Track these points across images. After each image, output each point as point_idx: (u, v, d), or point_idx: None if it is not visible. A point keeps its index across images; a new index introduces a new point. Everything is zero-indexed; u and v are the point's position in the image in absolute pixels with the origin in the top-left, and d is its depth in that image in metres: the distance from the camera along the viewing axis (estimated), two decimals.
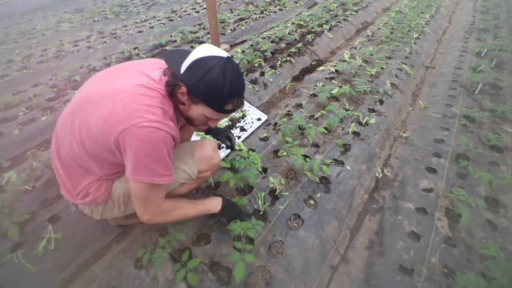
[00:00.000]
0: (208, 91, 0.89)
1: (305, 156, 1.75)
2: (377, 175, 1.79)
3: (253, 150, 1.84)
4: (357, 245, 1.41)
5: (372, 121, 2.09)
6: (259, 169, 1.66)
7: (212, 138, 1.54)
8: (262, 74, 2.73)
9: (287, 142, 1.70)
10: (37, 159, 1.76)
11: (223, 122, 2.08)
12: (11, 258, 1.26)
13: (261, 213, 1.42)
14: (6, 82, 2.73)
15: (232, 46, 3.45)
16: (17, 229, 1.32)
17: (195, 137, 1.96)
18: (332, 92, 2.30)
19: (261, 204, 1.43)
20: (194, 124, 1.11)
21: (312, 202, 1.52)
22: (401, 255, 1.31)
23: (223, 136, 1.45)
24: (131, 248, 1.33)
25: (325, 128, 1.94)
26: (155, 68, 1.01)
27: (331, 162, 1.73)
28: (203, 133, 1.51)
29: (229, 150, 1.85)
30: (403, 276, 1.24)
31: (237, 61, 2.82)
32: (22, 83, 2.70)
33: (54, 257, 1.30)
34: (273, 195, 1.54)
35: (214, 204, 1.22)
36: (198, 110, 0.97)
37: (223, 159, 1.69)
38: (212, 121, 1.04)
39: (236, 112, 2.08)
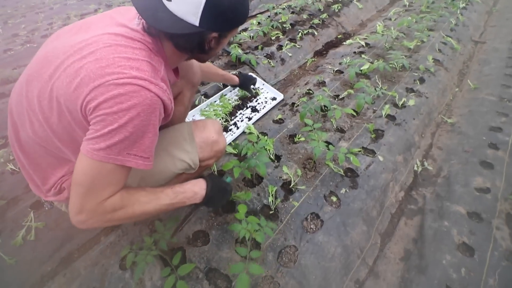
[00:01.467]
0: (238, 12, 0.73)
1: (328, 143, 1.46)
2: (415, 168, 1.47)
3: (265, 134, 1.57)
4: (390, 255, 1.14)
5: (411, 102, 1.73)
6: (271, 156, 1.40)
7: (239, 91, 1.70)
8: (280, 48, 2.39)
9: (306, 125, 1.41)
10: None
11: (232, 101, 1.82)
12: None
13: (271, 212, 1.17)
14: (9, 56, 2.59)
15: (247, 19, 3.10)
16: None
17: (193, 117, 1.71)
18: (362, 68, 1.94)
19: (272, 201, 1.18)
20: (205, 59, 0.92)
21: (334, 199, 1.25)
22: (448, 273, 1.03)
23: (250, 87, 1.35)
24: (119, 243, 1.15)
25: (353, 110, 1.62)
26: (134, 17, 0.75)
27: (359, 151, 1.43)
28: (229, 85, 1.46)
29: (237, 133, 1.60)
30: None
31: (251, 34, 2.50)
32: (25, 58, 2.56)
33: (34, 249, 1.14)
34: (287, 189, 1.28)
35: (192, 191, 0.86)
36: (227, 39, 0.81)
37: (229, 144, 1.44)
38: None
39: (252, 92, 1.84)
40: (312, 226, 1.15)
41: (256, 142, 1.25)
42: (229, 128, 1.66)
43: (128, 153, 0.67)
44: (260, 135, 1.43)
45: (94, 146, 0.63)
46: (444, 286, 0.99)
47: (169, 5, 0.66)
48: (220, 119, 1.68)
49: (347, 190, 1.27)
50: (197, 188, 0.87)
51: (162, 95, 0.67)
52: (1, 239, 1.15)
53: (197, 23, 0.67)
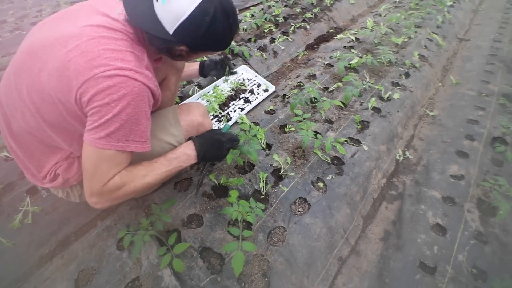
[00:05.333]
0: (214, 42, 0.79)
1: (316, 133, 1.53)
2: (397, 157, 1.56)
3: (257, 124, 1.63)
4: (371, 235, 1.23)
5: (396, 96, 1.82)
6: (263, 145, 1.46)
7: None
8: (273, 40, 2.43)
9: (296, 115, 1.47)
10: None
11: (225, 93, 1.86)
12: None
13: (262, 196, 1.24)
14: None
15: (240, 11, 3.11)
16: None
17: None
18: (351, 62, 2.01)
19: (263, 186, 1.25)
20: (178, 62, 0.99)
21: (321, 184, 1.32)
22: (422, 250, 1.13)
23: (220, 67, 1.37)
24: (115, 227, 1.19)
25: (341, 102, 1.69)
26: (115, 6, 0.78)
27: (346, 141, 1.51)
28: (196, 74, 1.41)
29: (229, 123, 1.65)
30: (424, 275, 1.06)
31: (245, 26, 2.52)
32: (14, 45, 2.51)
33: (32, 232, 1.18)
34: (277, 175, 1.35)
35: (184, 154, 0.89)
36: (200, 55, 0.88)
37: None
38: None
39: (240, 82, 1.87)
40: (300, 209, 1.23)
41: (248, 131, 1.30)
42: (222, 117, 1.71)
43: (127, 139, 0.72)
44: (252, 125, 1.49)
45: (95, 136, 0.69)
46: (418, 262, 1.09)
47: (156, 4, 0.71)
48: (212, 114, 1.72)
49: (333, 177, 1.35)
50: (188, 150, 0.90)
51: (148, 83, 0.72)
52: None
53: (170, 32, 0.72)
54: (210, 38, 0.76)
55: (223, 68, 1.42)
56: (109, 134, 0.69)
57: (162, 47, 0.78)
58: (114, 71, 0.66)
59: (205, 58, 1.54)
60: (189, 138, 0.96)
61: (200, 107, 1.08)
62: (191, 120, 1.03)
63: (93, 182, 0.74)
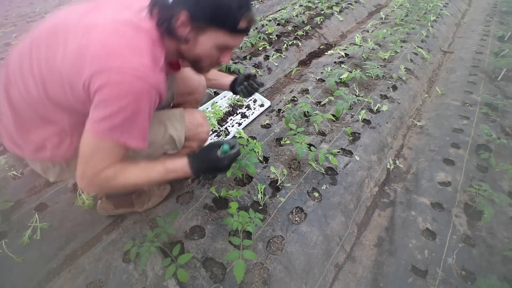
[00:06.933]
0: (215, 5, 0.73)
1: (310, 145, 1.62)
2: (388, 166, 1.64)
3: (254, 138, 1.71)
4: (365, 242, 1.29)
5: (384, 108, 1.92)
6: (260, 158, 1.54)
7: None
8: (267, 58, 2.56)
9: (290, 129, 1.56)
10: None
11: (223, 108, 1.95)
12: None
13: (260, 207, 1.31)
14: (2, 66, 2.64)
15: None
16: (0, 218, 1.24)
17: None
18: (341, 77, 2.13)
19: (261, 197, 1.32)
20: (203, 67, 0.90)
21: (316, 194, 1.40)
22: (414, 254, 1.19)
23: (244, 85, 1.25)
24: (121, 240, 1.24)
25: (333, 115, 1.79)
26: (144, 6, 0.79)
27: (338, 152, 1.59)
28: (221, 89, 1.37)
29: (228, 138, 1.73)
30: (416, 278, 1.12)
31: (240, 45, 2.66)
32: None
33: (40, 248, 1.22)
34: (274, 187, 1.42)
35: (182, 171, 0.90)
36: (209, 40, 0.79)
37: None
38: (226, 52, 0.86)
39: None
40: (297, 219, 1.29)
41: (246, 145, 1.39)
42: (220, 132, 1.79)
43: (128, 134, 0.75)
44: (249, 139, 1.57)
45: (98, 126, 0.73)
46: (410, 265, 1.15)
47: None
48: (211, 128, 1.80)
49: (328, 187, 1.42)
50: (186, 168, 0.89)
51: (158, 86, 0.75)
52: (8, 239, 1.22)
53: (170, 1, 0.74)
54: (211, 1, 0.73)
55: (250, 85, 1.28)
56: (112, 127, 0.73)
57: (162, 18, 0.75)
58: (129, 69, 0.69)
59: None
60: (188, 156, 0.92)
61: (202, 113, 1.18)
62: (193, 118, 1.10)
63: (87, 167, 0.78)
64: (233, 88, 1.30)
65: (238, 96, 2.07)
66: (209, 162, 0.91)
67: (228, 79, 1.33)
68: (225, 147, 0.90)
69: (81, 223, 1.32)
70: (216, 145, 0.93)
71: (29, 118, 0.83)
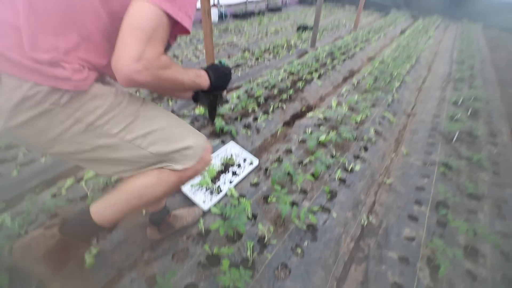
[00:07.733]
0: None
1: (293, 203, 1.83)
2: (362, 222, 1.86)
3: (244, 196, 1.92)
4: None
5: (357, 167, 2.22)
6: (249, 215, 1.73)
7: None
8: (255, 119, 2.92)
9: (275, 190, 1.80)
10: (33, 201, 1.80)
11: (217, 167, 2.19)
12: None
13: (249, 264, 1.46)
14: None
15: (228, 92, 3.71)
16: (8, 278, 1.33)
17: None
18: (319, 139, 2.47)
19: (250, 254, 1.48)
20: None
21: (299, 250, 1.57)
22: None
23: (213, 97, 1.11)
24: None
25: (312, 175, 2.06)
26: None
27: (318, 209, 1.81)
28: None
29: (220, 195, 1.93)
30: None
31: (232, 106, 3.03)
32: None
33: None
34: (262, 243, 1.59)
35: (205, 78, 0.96)
36: None
37: (215, 205, 1.76)
38: None
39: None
40: (282, 275, 1.44)
41: (237, 205, 1.59)
42: (213, 190, 1.99)
43: (185, 11, 0.71)
44: (240, 198, 1.78)
45: None
46: None
47: None
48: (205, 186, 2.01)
49: (309, 243, 1.60)
50: (206, 76, 0.97)
51: None
52: None
53: None
54: None
55: (216, 99, 1.17)
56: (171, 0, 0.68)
57: None
58: None
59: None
60: (204, 69, 1.00)
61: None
62: (202, 141, 1.08)
63: (149, 46, 0.66)
64: (195, 97, 1.22)
65: (230, 155, 2.33)
66: (219, 68, 1.03)
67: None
68: (222, 61, 1.18)
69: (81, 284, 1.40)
70: (215, 64, 1.05)
71: (49, 19, 0.67)
